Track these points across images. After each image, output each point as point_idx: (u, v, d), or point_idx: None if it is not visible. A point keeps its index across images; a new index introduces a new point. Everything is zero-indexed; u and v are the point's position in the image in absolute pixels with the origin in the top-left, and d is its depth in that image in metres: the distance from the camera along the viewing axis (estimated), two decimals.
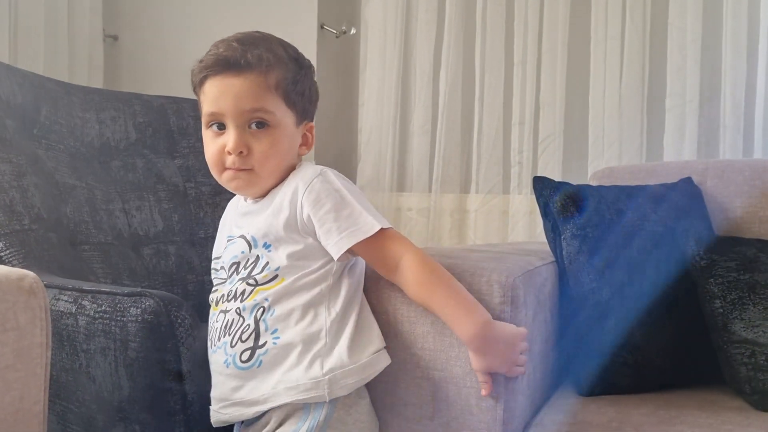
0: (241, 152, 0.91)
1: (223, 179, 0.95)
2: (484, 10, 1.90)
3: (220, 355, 0.91)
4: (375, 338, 0.92)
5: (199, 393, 0.96)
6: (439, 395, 0.90)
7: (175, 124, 1.72)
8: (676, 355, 1.11)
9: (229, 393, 0.91)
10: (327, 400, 0.86)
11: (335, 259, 0.89)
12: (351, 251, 0.89)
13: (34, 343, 0.72)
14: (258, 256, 0.92)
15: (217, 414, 0.93)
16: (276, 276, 0.90)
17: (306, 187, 0.90)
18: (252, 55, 0.90)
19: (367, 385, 0.93)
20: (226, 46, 0.91)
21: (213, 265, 1.03)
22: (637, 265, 1.12)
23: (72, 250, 1.35)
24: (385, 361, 0.91)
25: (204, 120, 0.94)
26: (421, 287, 0.88)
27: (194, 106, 1.77)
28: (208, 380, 0.95)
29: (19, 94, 1.39)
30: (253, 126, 0.91)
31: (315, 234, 0.90)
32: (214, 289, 0.99)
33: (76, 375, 1.00)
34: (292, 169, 0.96)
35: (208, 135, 0.94)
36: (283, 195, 0.93)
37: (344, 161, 2.18)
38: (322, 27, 2.05)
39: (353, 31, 2.09)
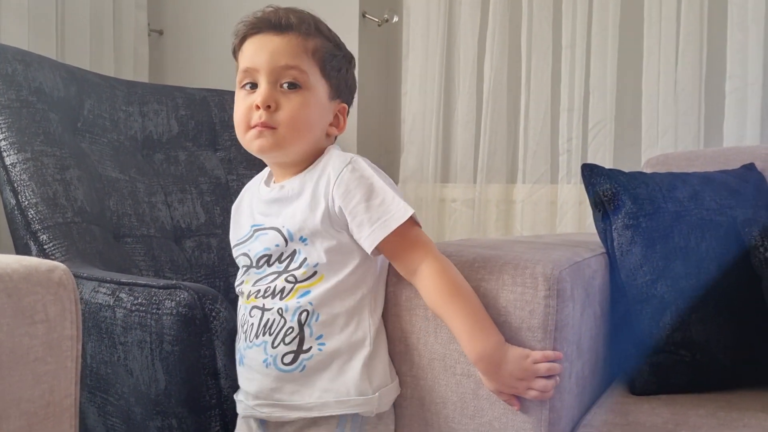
0: (269, 107, 0.89)
1: (247, 138, 0.92)
2: None
3: (257, 353, 0.89)
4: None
5: (234, 387, 0.95)
6: (481, 393, 0.86)
7: (217, 117, 1.71)
8: (737, 353, 1.04)
9: (268, 393, 0.88)
10: (373, 415, 0.88)
11: (369, 253, 0.87)
12: (378, 248, 0.86)
13: (64, 336, 0.71)
14: (295, 250, 0.89)
15: (252, 410, 0.90)
16: (315, 273, 0.88)
17: (336, 179, 0.87)
18: (295, 16, 0.91)
19: (406, 382, 0.91)
20: (270, 10, 0.93)
21: (235, 252, 0.98)
22: (695, 257, 1.05)
23: (115, 243, 1.36)
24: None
25: (238, 80, 0.94)
26: (437, 296, 0.85)
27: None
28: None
29: (63, 88, 1.40)
30: (285, 86, 0.90)
31: (348, 228, 0.88)
32: (240, 280, 0.96)
33: (115, 368, 1.00)
34: (320, 150, 0.94)
35: (239, 95, 0.94)
36: (315, 185, 0.90)
37: (387, 152, 2.15)
38: (363, 15, 2.01)
39: (395, 18, 2.05)
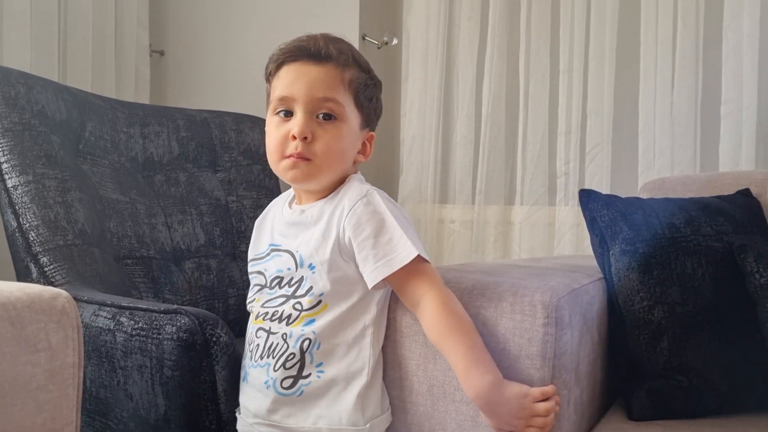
0: (305, 138, 0.90)
1: (281, 167, 0.93)
2: (529, 17, 1.85)
3: (260, 373, 0.91)
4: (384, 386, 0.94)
5: (234, 413, 0.95)
6: (480, 420, 0.86)
7: (217, 138, 1.73)
8: (734, 379, 1.04)
9: (265, 413, 0.90)
10: None
11: (369, 288, 0.88)
12: (383, 280, 0.87)
13: (66, 364, 0.71)
14: (303, 276, 0.91)
15: (250, 428, 0.93)
16: (320, 302, 0.89)
17: (349, 210, 0.89)
18: (333, 48, 0.92)
19: (405, 408, 0.91)
20: (309, 38, 0.93)
21: (250, 268, 1.01)
22: (691, 283, 1.06)
23: (115, 265, 1.36)
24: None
25: (272, 106, 0.94)
26: (437, 330, 0.85)
27: (236, 119, 1.79)
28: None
29: (65, 110, 1.41)
30: (321, 116, 0.91)
31: (356, 259, 0.89)
32: (251, 297, 0.98)
33: (115, 392, 1.00)
34: (345, 177, 0.95)
35: (273, 121, 0.94)
36: (331, 214, 0.91)
37: (386, 173, 2.16)
38: (363, 38, 2.03)
39: (395, 41, 2.07)
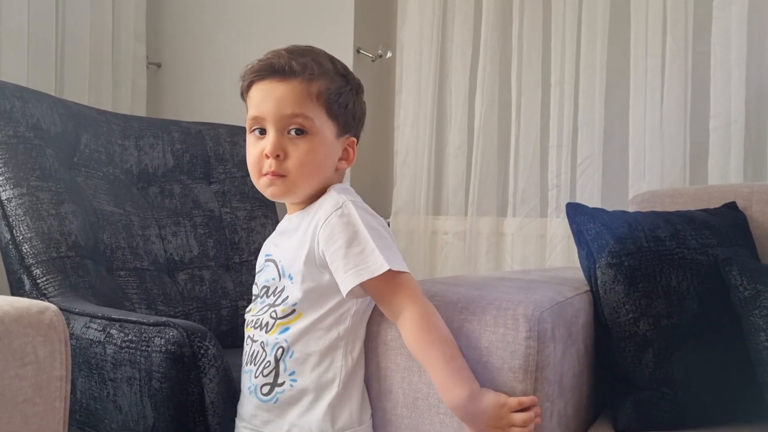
0: (278, 156, 0.92)
1: (261, 184, 0.96)
2: (521, 30, 1.88)
3: (247, 379, 0.96)
4: (367, 398, 0.95)
5: (222, 424, 0.96)
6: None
7: (212, 150, 1.74)
8: (719, 390, 1.05)
9: (249, 417, 0.95)
10: None
11: (344, 296, 0.88)
12: (364, 289, 0.88)
13: (53, 377, 0.72)
14: (284, 286, 0.93)
15: (242, 430, 0.96)
16: (293, 311, 0.91)
17: (324, 221, 0.90)
18: (297, 63, 0.92)
19: (390, 420, 0.92)
20: (275, 54, 0.94)
21: (255, 279, 1.04)
22: (677, 296, 1.07)
23: (108, 276, 1.38)
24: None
25: (247, 125, 0.96)
26: (416, 343, 0.86)
27: (231, 131, 1.80)
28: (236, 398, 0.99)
29: (60, 123, 1.43)
30: (292, 132, 0.92)
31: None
32: (249, 308, 1.01)
33: (104, 403, 1.01)
34: (329, 183, 0.97)
35: (249, 140, 0.96)
36: (308, 225, 0.93)
37: (380, 184, 2.17)
38: (358, 51, 2.06)
39: (389, 54, 2.09)
